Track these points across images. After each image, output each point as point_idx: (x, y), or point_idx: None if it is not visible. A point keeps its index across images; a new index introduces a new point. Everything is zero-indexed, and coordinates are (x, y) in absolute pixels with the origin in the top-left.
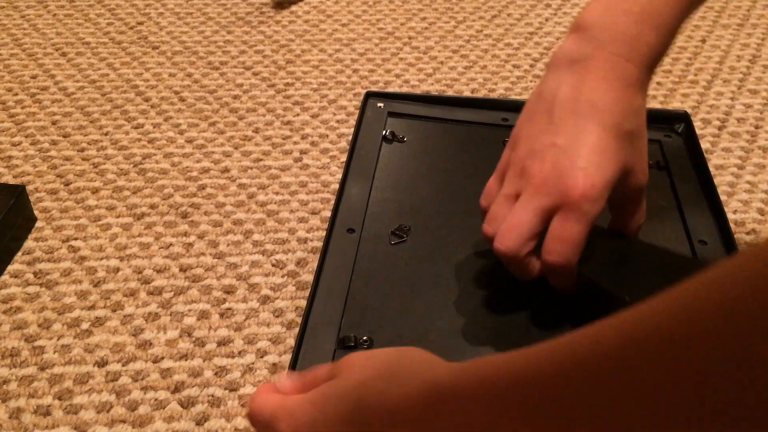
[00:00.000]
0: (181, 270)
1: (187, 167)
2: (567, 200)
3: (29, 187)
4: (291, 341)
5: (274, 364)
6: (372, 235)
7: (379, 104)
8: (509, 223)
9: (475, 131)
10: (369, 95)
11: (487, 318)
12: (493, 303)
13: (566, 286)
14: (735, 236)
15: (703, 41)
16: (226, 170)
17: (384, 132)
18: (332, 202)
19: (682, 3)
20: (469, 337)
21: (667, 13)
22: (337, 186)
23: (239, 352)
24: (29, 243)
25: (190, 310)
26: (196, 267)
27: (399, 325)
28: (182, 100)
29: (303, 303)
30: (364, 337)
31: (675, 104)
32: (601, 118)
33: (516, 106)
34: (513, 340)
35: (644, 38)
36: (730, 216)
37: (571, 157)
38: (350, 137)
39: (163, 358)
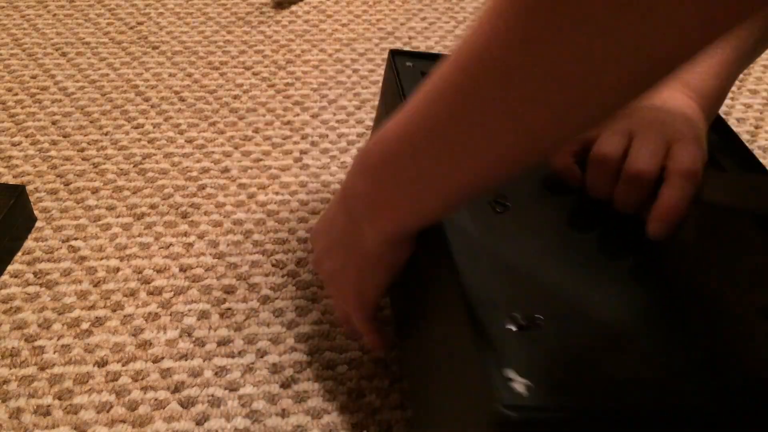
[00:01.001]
0: (181, 270)
1: (187, 167)
2: (685, 135)
3: (29, 187)
4: (291, 341)
5: (274, 364)
6: (474, 209)
7: (408, 63)
8: (641, 150)
9: None
10: (395, 54)
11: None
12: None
13: (680, 203)
14: None
15: None
16: (226, 170)
17: None
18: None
19: (735, 66)
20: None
21: (722, 73)
22: (337, 186)
23: (239, 352)
24: (29, 243)
25: (190, 310)
26: (196, 267)
27: (558, 297)
28: (182, 100)
29: (303, 303)
30: (537, 315)
31: None
32: (682, 108)
33: None
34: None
35: (706, 89)
36: None
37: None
38: (349, 137)
39: (163, 358)
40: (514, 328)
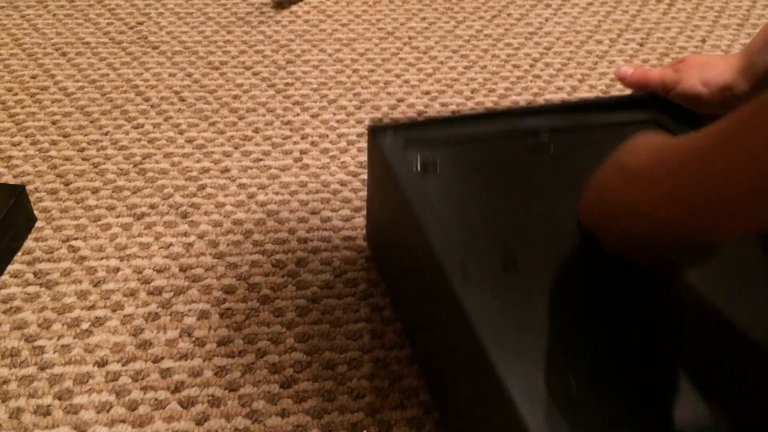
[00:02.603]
0: (181, 270)
1: (187, 167)
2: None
3: (29, 187)
4: (291, 341)
5: (274, 364)
6: (486, 272)
7: (389, 138)
8: None
9: (494, 144)
10: (375, 130)
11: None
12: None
13: None
14: None
15: (703, 41)
16: (226, 170)
17: (416, 165)
18: (332, 202)
19: None
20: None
21: None
22: (336, 186)
23: (239, 352)
24: (29, 243)
25: (190, 310)
26: (196, 267)
27: (590, 354)
28: (182, 100)
29: (303, 303)
30: (570, 376)
31: None
32: None
33: (519, 113)
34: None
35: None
36: None
37: None
38: (349, 137)
39: (163, 358)
40: (556, 395)
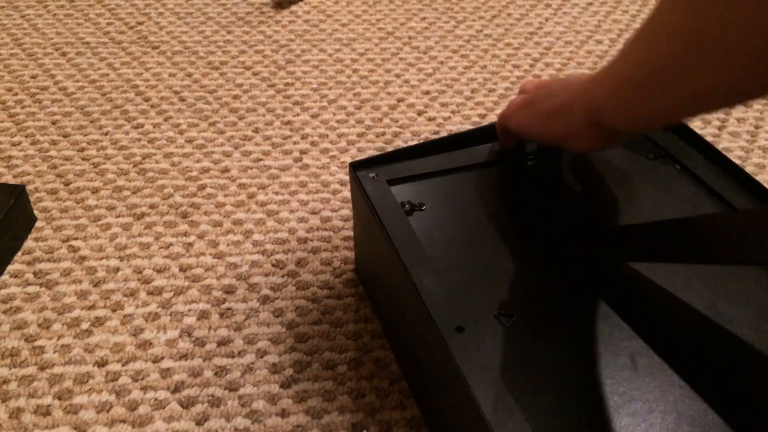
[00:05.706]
0: (181, 270)
1: (187, 167)
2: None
3: (29, 187)
4: (291, 341)
5: (274, 364)
6: (482, 326)
7: (371, 174)
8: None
9: (481, 174)
10: (355, 168)
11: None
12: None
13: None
14: None
15: None
16: (226, 170)
17: (403, 206)
18: (332, 202)
19: None
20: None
21: None
22: (336, 186)
23: (239, 352)
24: (29, 243)
25: (190, 310)
26: (196, 267)
27: (584, 403)
28: (182, 100)
29: (303, 303)
30: None
31: None
32: None
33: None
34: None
35: None
36: None
37: None
38: (349, 137)
39: (163, 358)
40: None
